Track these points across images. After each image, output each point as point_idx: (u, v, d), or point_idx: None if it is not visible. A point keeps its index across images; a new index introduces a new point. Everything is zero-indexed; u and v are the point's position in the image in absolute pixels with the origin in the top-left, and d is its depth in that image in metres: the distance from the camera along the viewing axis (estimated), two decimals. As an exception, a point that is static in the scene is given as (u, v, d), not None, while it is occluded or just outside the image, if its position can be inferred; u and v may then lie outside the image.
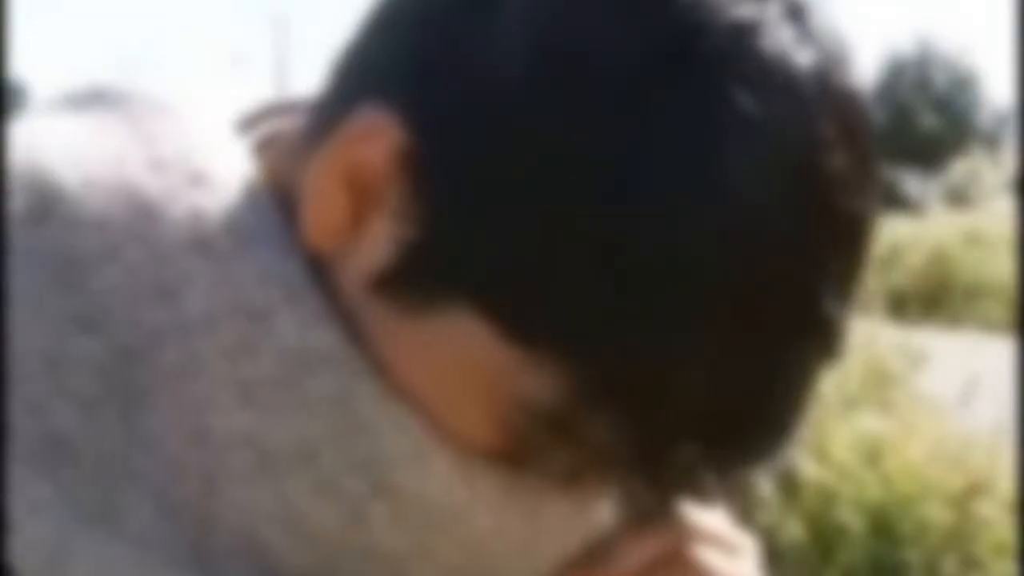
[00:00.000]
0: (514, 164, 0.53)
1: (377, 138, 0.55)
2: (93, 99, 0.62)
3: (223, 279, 0.57)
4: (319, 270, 0.58)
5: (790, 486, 4.41)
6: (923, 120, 29.17)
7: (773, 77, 0.53)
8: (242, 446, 0.56)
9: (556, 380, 0.54)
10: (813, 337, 0.55)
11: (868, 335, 6.26)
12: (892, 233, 13.96)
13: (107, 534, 0.55)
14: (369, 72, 0.58)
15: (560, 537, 0.63)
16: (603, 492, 0.62)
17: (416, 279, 0.55)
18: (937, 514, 4.24)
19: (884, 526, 4.31)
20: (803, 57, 0.53)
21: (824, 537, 4.35)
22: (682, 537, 0.62)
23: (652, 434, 0.55)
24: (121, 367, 0.56)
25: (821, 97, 0.54)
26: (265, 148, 0.63)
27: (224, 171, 0.60)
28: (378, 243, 0.56)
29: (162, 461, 0.56)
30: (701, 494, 0.62)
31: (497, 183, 0.53)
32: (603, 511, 0.64)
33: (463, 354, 0.55)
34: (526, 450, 0.57)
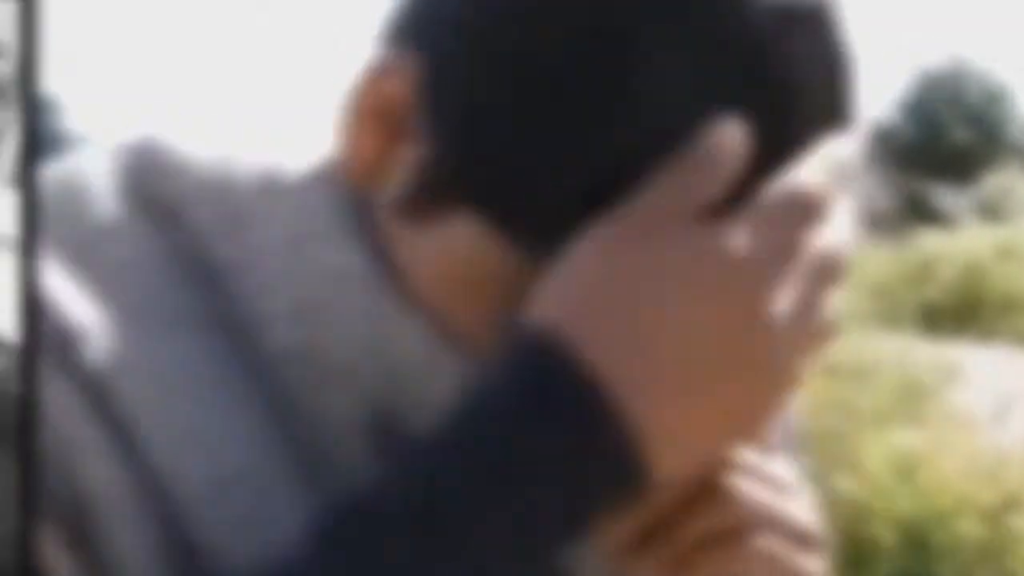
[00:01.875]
0: (499, 82, 0.58)
1: (398, 74, 0.59)
2: None
3: (281, 215, 0.63)
4: (363, 206, 0.63)
5: (822, 501, 4.40)
6: (955, 134, 29.02)
7: None
8: (299, 361, 0.62)
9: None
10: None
11: (900, 350, 6.24)
12: (924, 247, 13.90)
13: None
14: (388, 35, 0.62)
15: None
16: None
17: (427, 193, 0.59)
18: (970, 529, 4.22)
19: (917, 541, 4.30)
20: None
21: (857, 552, 4.34)
22: (718, 466, 0.63)
23: None
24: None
25: None
26: None
27: None
28: (403, 169, 0.60)
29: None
30: None
31: (489, 99, 0.58)
32: None
33: (466, 260, 0.60)
34: None
